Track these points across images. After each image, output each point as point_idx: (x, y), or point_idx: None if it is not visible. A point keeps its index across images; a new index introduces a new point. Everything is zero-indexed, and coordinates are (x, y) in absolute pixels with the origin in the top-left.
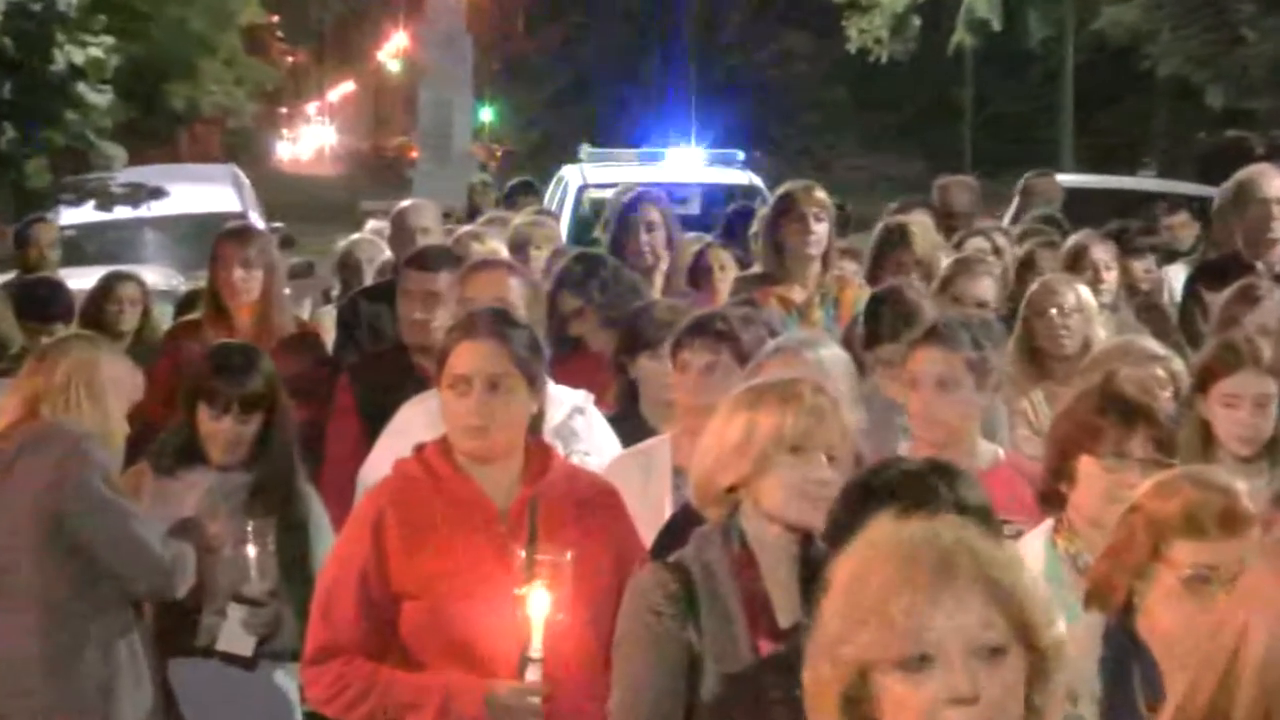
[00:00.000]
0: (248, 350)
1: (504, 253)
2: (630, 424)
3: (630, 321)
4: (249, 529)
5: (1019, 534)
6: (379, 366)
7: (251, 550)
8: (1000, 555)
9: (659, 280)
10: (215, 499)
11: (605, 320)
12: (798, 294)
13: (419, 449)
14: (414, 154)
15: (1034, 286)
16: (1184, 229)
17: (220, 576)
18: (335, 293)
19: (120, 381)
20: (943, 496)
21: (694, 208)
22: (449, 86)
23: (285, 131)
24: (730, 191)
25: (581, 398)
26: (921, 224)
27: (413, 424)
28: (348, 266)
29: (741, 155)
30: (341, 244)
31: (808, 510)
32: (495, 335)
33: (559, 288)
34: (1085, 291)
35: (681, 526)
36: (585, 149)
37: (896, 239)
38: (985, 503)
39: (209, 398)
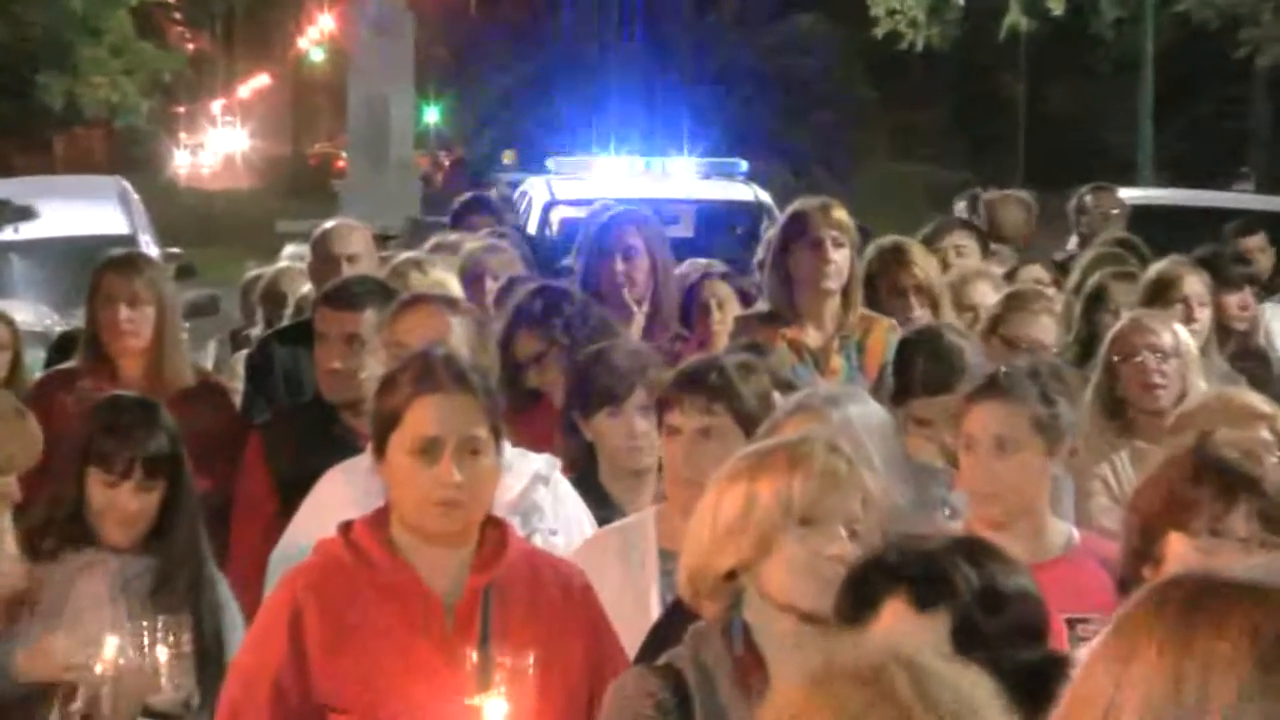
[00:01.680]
0: (146, 404)
1: (453, 285)
2: (587, 496)
3: (583, 370)
4: (158, 626)
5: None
6: (295, 425)
7: (162, 653)
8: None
9: (639, 320)
10: (113, 588)
11: (571, 367)
12: (812, 336)
13: (345, 526)
14: (342, 163)
15: (1121, 324)
16: (1262, 254)
17: (124, 685)
18: (250, 333)
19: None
20: (967, 582)
21: (686, 229)
22: (385, 80)
23: (185, 135)
24: (730, 209)
25: (545, 463)
26: (958, 244)
27: (336, 496)
28: (270, 301)
29: (744, 165)
30: (254, 274)
31: (824, 595)
32: (463, 387)
33: (515, 327)
34: (1183, 332)
35: (673, 624)
36: (553, 159)
37: (890, 260)
38: (1027, 591)
39: (103, 461)
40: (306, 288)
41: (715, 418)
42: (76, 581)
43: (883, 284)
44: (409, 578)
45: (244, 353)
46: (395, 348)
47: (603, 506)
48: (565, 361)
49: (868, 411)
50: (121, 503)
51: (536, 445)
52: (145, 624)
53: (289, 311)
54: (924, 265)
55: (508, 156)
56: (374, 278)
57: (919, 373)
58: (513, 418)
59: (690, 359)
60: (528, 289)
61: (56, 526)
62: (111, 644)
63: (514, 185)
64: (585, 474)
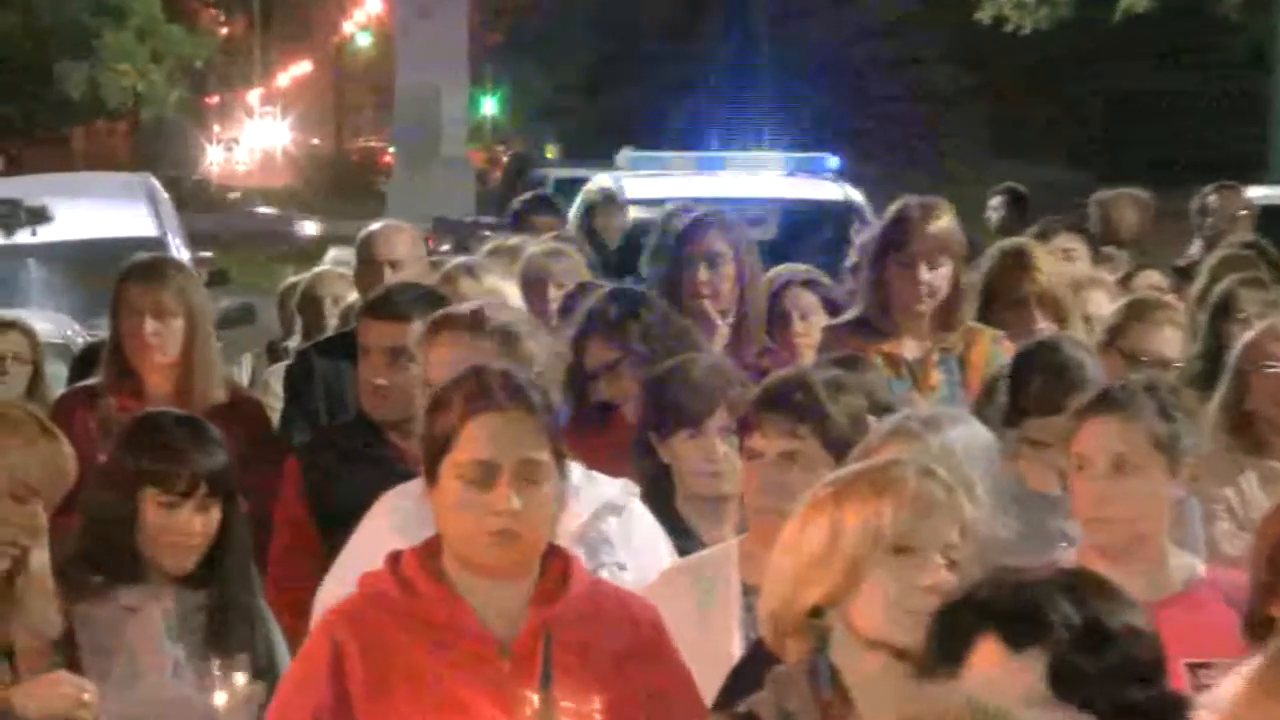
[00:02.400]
0: (190, 420)
1: (510, 292)
2: (662, 524)
3: (660, 386)
4: (214, 669)
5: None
6: (337, 447)
7: (220, 698)
8: None
9: (723, 333)
10: (169, 628)
11: (647, 382)
12: (909, 349)
13: (393, 558)
14: (388, 158)
15: (1253, 333)
16: None
17: None
18: (288, 344)
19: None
20: (1065, 620)
21: (769, 231)
22: (436, 67)
23: (217, 129)
24: (819, 210)
25: (619, 490)
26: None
27: (389, 525)
28: (308, 310)
29: (834, 161)
30: (292, 280)
31: (919, 630)
32: (521, 405)
33: (586, 334)
34: None
35: (755, 666)
36: (624, 153)
37: (1011, 266)
38: (1136, 628)
39: (161, 481)
40: (352, 295)
41: (800, 441)
42: (128, 622)
43: (1002, 292)
44: (462, 614)
45: (280, 366)
46: (427, 386)
47: (679, 535)
48: (640, 373)
49: (970, 434)
50: (182, 525)
51: (606, 465)
52: (205, 668)
53: (332, 320)
54: (1049, 272)
55: (551, 150)
56: (421, 285)
57: (1035, 390)
58: (580, 433)
59: (774, 375)
60: (602, 292)
61: (103, 558)
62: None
63: (561, 182)
64: (661, 499)
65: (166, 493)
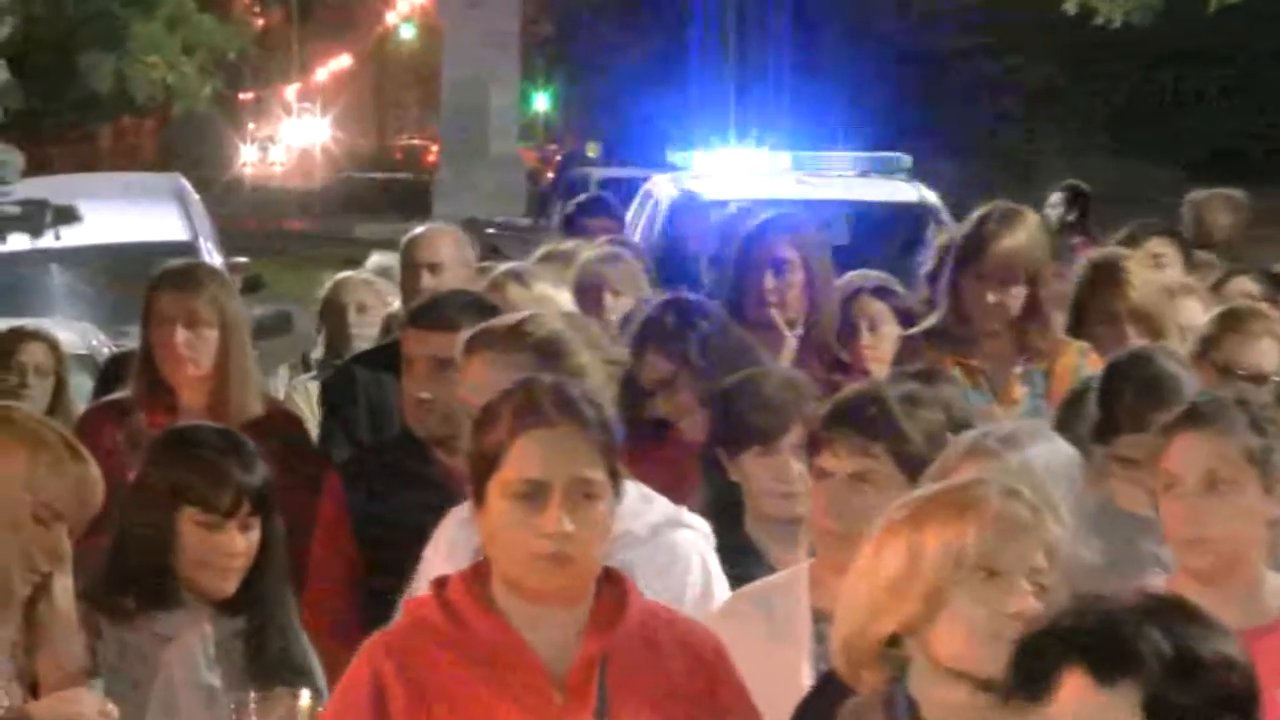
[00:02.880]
0: (226, 433)
1: (561, 300)
2: (731, 547)
3: (730, 401)
4: (250, 704)
5: None
6: (381, 464)
7: None
8: None
9: (790, 346)
10: (207, 657)
11: (706, 395)
12: (990, 359)
13: (439, 584)
14: (433, 157)
15: None
16: None
17: None
18: (311, 355)
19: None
20: (1155, 650)
21: (840, 235)
22: (484, 60)
23: (253, 126)
24: (893, 212)
25: (672, 513)
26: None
27: (457, 553)
28: (330, 317)
29: (908, 161)
30: (330, 285)
31: (1004, 659)
32: (573, 419)
33: (642, 345)
34: None
35: (826, 699)
36: (680, 152)
37: (1103, 280)
38: (1230, 658)
39: (202, 499)
40: (396, 303)
41: (873, 460)
42: (165, 650)
43: (1093, 308)
44: (512, 643)
45: (305, 377)
46: (472, 388)
47: (748, 560)
48: (700, 388)
49: (1051, 450)
50: (224, 546)
51: (662, 486)
52: (244, 702)
53: (356, 330)
54: (1141, 286)
55: (592, 149)
56: (469, 292)
57: (1126, 405)
58: (635, 454)
59: (846, 390)
60: (658, 300)
61: (136, 582)
62: None
63: (606, 183)
64: (728, 521)
65: (207, 511)
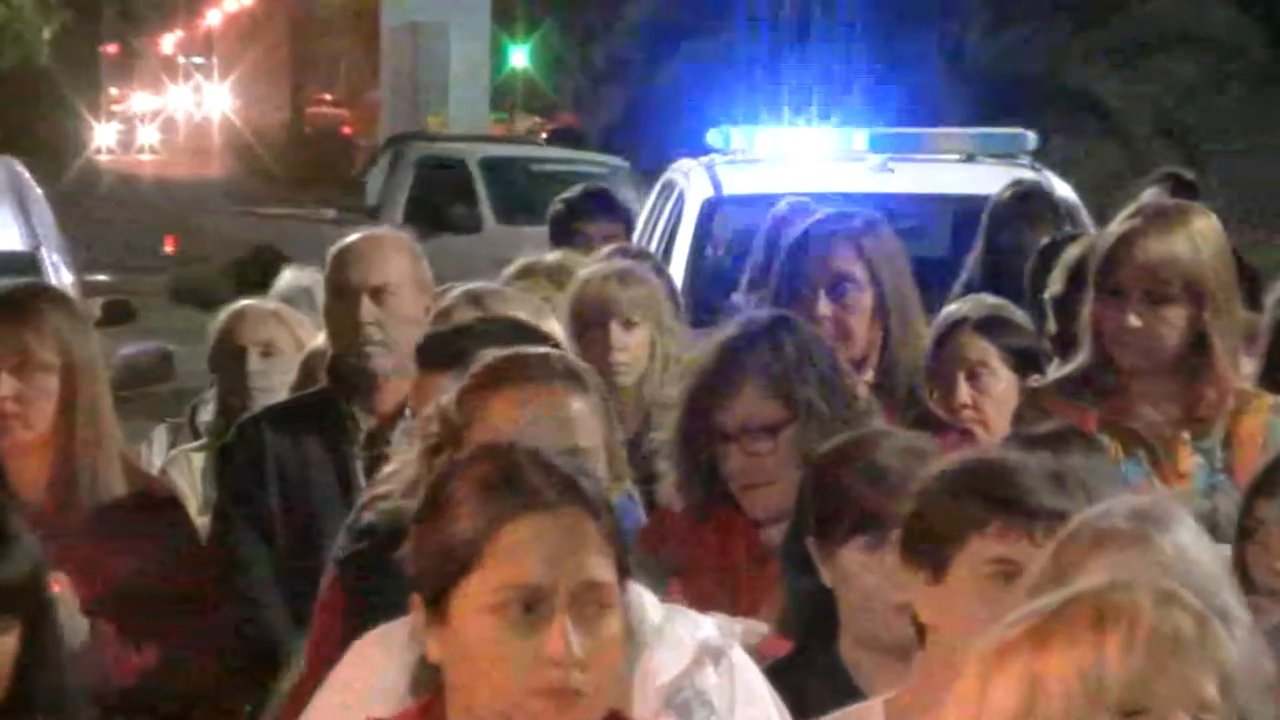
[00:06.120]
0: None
1: (547, 332)
2: (821, 676)
3: (823, 472)
4: None
5: None
6: (387, 560)
7: None
8: None
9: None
10: None
11: (803, 459)
12: (1147, 421)
13: None
14: (349, 130)
15: None
16: None
17: None
18: (199, 409)
19: None
20: None
21: (938, 244)
22: (441, 2)
23: (116, 91)
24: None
25: (717, 629)
26: None
27: (371, 678)
28: (224, 362)
29: (1033, 139)
30: (224, 318)
31: None
32: (574, 501)
33: (733, 377)
34: None
35: None
36: (719, 129)
37: None
38: None
39: None
40: (319, 339)
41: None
42: None
43: None
44: None
45: (189, 446)
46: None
47: (842, 695)
48: (802, 448)
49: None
50: None
51: (710, 586)
52: None
53: (255, 380)
54: None
55: (437, 121)
56: (491, 323)
57: None
58: (679, 532)
59: (949, 460)
60: (761, 317)
61: None
62: None
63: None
64: (817, 640)
65: None
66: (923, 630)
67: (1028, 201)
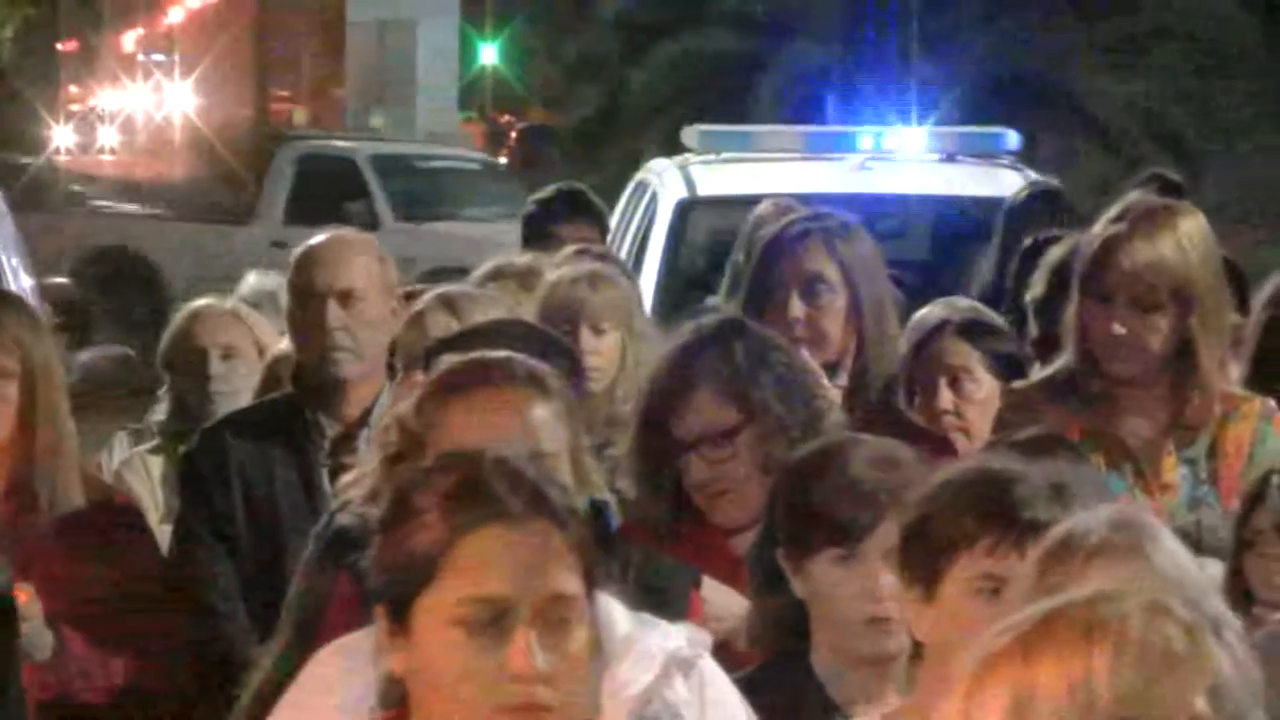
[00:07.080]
0: None
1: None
2: (793, 690)
3: (794, 481)
4: None
5: None
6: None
7: None
8: None
9: (831, 394)
10: None
11: (768, 466)
12: (1132, 428)
13: None
14: (301, 120)
15: None
16: None
17: None
18: (152, 417)
19: None
20: None
21: (917, 246)
22: None
23: (76, 89)
24: (992, 212)
25: (687, 638)
26: None
27: (326, 694)
28: (181, 365)
29: (1014, 139)
30: (182, 319)
31: None
32: (540, 508)
33: (686, 383)
34: None
35: None
36: (694, 129)
37: None
38: None
39: None
40: (282, 345)
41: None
42: None
43: (1274, 351)
44: None
45: (143, 448)
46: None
47: (818, 705)
48: (761, 452)
49: (1213, 548)
50: None
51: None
52: None
53: (216, 384)
54: None
55: (299, 115)
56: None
57: None
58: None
59: (947, 472)
60: (713, 321)
61: None
62: None
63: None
64: (790, 652)
65: None
66: (918, 645)
67: (1049, 201)
